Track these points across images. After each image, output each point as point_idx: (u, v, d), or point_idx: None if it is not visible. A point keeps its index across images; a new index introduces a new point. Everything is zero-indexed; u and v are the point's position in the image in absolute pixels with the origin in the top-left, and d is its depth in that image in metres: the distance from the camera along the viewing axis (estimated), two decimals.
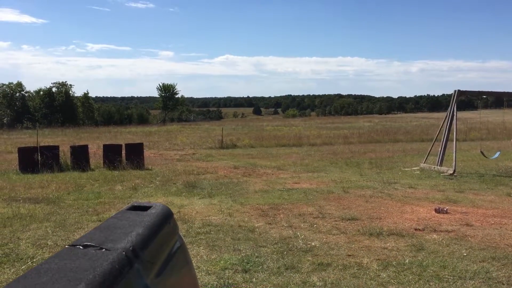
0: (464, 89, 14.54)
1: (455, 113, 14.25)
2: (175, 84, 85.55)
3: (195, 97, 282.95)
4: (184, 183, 11.65)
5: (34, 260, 5.62)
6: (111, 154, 14.96)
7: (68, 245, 0.88)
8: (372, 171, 14.20)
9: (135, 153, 15.22)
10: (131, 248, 0.88)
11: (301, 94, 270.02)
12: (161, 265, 1.00)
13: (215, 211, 8.48)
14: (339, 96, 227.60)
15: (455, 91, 14.41)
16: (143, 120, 75.35)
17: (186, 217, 7.92)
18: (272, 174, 13.75)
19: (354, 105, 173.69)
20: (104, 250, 0.86)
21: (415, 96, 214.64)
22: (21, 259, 5.69)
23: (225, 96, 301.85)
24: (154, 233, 1.01)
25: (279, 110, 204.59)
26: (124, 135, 33.93)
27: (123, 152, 15.39)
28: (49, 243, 6.38)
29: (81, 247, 0.87)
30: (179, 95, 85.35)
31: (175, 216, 1.23)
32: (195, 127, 48.34)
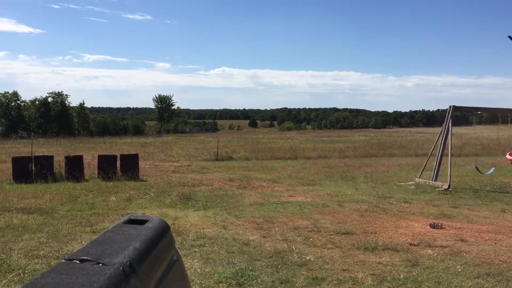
0: (459, 105, 14.65)
1: (450, 128, 14.31)
2: (171, 95, 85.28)
3: (191, 108, 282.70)
4: (179, 195, 11.61)
5: (26, 271, 5.54)
6: (106, 165, 14.89)
7: (64, 259, 0.87)
8: (367, 185, 14.20)
9: (130, 164, 15.16)
10: (128, 263, 0.87)
11: (297, 107, 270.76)
12: (158, 280, 0.99)
13: (209, 224, 8.43)
14: (335, 109, 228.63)
15: (450, 106, 14.50)
16: (138, 131, 75.06)
17: (180, 229, 7.86)
18: (267, 187, 13.73)
19: (350, 119, 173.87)
20: (101, 265, 0.85)
21: (410, 110, 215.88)
22: (13, 270, 5.61)
23: (221, 108, 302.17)
24: (151, 248, 1.00)
25: (275, 123, 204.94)
26: (119, 146, 33.85)
27: (118, 163, 15.34)
28: (41, 254, 6.31)
29: (77, 261, 0.86)
30: (175, 107, 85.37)
31: None
32: (191, 139, 48.29)
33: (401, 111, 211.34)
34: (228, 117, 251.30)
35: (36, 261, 6.00)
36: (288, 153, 27.64)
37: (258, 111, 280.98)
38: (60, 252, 6.42)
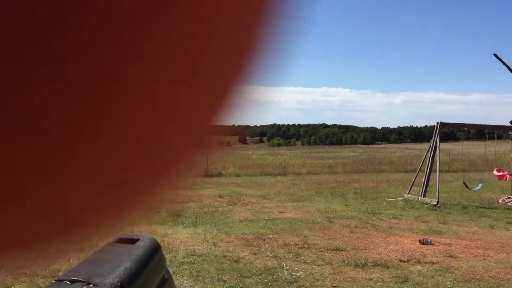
0: (446, 121, 14.80)
1: (438, 145, 14.46)
2: None
3: None
4: (169, 211, 11.54)
5: None
6: None
7: (55, 280, 0.86)
8: (357, 201, 14.26)
9: None
10: (119, 283, 0.87)
11: (286, 123, 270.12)
12: None
13: (199, 241, 8.41)
14: (324, 125, 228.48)
15: (437, 123, 14.65)
16: None
17: (170, 246, 7.83)
18: (257, 203, 13.76)
19: (339, 135, 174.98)
20: (91, 285, 0.85)
21: (399, 127, 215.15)
22: None
23: None
24: (142, 267, 1.00)
25: (265, 139, 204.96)
26: None
27: None
28: (28, 272, 6.19)
29: (68, 282, 0.85)
30: None
31: None
32: None
33: (389, 127, 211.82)
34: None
35: (23, 279, 5.89)
36: (278, 169, 27.66)
37: (247, 127, 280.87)
38: (47, 270, 6.30)
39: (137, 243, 1.11)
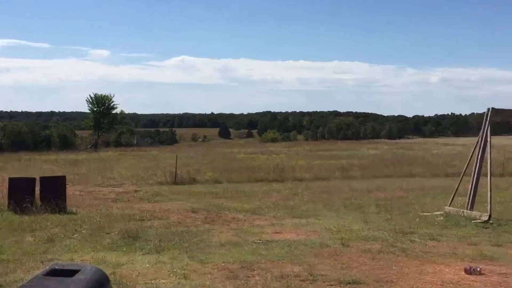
0: (500, 107, 14.80)
1: (488, 139, 14.45)
2: (111, 95, 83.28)
3: (139, 113, 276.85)
4: (122, 232, 11.56)
5: None
6: (20, 192, 14.67)
7: None
8: (380, 217, 14.34)
9: (54, 191, 14.98)
10: None
11: (284, 111, 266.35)
12: None
13: (164, 272, 8.39)
14: (336, 113, 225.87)
15: (488, 109, 14.66)
16: (66, 144, 73.81)
17: (124, 280, 7.78)
18: (245, 221, 13.78)
19: (356, 126, 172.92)
20: None
21: (436, 115, 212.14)
22: None
23: (181, 113, 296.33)
24: None
25: (254, 132, 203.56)
26: (39, 165, 33.48)
27: (38, 188, 15.16)
28: None
29: None
30: (117, 110, 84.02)
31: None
32: (139, 155, 48.22)
33: (423, 116, 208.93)
34: (190, 125, 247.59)
35: None
36: (273, 173, 27.71)
37: (231, 116, 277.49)
38: None
39: (75, 276, 1.09)
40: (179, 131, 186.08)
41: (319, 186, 22.76)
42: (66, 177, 16.90)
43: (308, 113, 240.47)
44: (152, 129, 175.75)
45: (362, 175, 28.04)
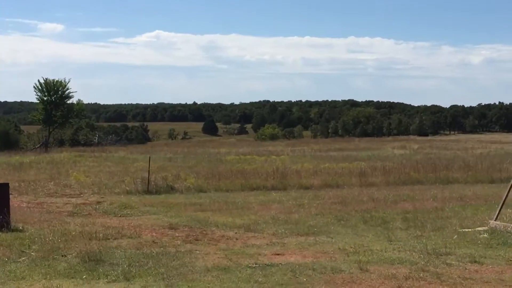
0: None
1: None
2: (66, 81, 78.02)
3: (101, 103, 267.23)
4: (82, 255, 11.33)
5: None
6: None
7: None
8: (408, 234, 14.07)
9: None
10: None
11: (286, 100, 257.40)
12: None
13: None
14: (352, 103, 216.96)
15: None
16: (8, 143, 70.57)
17: None
18: (236, 239, 13.63)
19: (378, 120, 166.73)
20: None
21: (479, 105, 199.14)
22: None
23: (155, 103, 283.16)
24: None
25: (249, 127, 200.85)
26: None
27: None
28: None
29: None
30: (73, 100, 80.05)
31: None
32: (102, 156, 47.79)
33: (463, 106, 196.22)
34: (167, 118, 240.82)
35: None
36: (272, 179, 27.57)
37: (219, 107, 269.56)
38: None
39: None
40: (152, 126, 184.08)
41: (331, 196, 22.67)
42: (10, 185, 16.50)
43: (317, 103, 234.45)
44: (119, 124, 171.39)
45: (385, 182, 27.91)
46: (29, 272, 10.13)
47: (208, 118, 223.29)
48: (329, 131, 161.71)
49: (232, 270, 10.41)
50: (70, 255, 11.45)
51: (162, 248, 12.35)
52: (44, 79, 77.87)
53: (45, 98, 77.44)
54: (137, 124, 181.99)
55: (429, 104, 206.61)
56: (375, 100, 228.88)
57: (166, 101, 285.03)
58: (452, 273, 10.07)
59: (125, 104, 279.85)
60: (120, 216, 17.78)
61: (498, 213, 14.68)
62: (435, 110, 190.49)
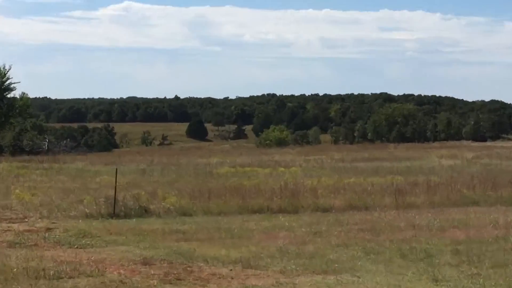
0: None
1: None
2: (5, 68, 73.79)
3: (53, 97, 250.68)
4: None
5: None
6: None
7: None
8: (460, 272, 13.19)
9: None
10: None
11: (297, 94, 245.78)
12: None
13: None
14: (384, 98, 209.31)
15: None
16: None
17: None
18: (232, 278, 12.92)
19: (419, 120, 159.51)
20: None
21: None
22: None
23: (124, 97, 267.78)
24: None
25: (248, 129, 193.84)
26: None
27: None
28: None
29: None
30: (15, 93, 76.04)
31: None
32: (54, 168, 45.57)
33: None
34: (140, 117, 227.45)
35: None
36: (279, 198, 26.02)
37: (210, 102, 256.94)
38: None
39: None
40: (120, 128, 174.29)
41: (357, 221, 21.25)
42: None
43: (339, 98, 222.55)
44: (75, 125, 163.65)
45: (429, 202, 26.14)
46: None
47: (194, 117, 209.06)
48: (355, 134, 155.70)
49: None
50: None
51: None
52: None
53: None
54: (100, 125, 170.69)
55: (487, 99, 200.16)
56: (416, 93, 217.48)
57: (138, 95, 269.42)
58: None
59: (84, 99, 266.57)
60: (77, 247, 16.57)
61: None
62: (496, 107, 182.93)
